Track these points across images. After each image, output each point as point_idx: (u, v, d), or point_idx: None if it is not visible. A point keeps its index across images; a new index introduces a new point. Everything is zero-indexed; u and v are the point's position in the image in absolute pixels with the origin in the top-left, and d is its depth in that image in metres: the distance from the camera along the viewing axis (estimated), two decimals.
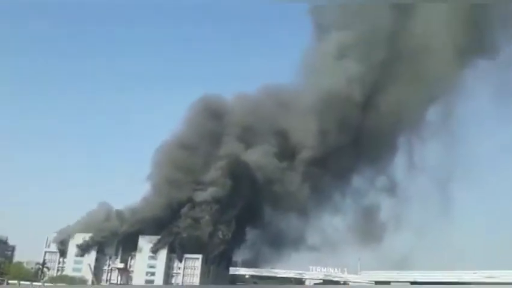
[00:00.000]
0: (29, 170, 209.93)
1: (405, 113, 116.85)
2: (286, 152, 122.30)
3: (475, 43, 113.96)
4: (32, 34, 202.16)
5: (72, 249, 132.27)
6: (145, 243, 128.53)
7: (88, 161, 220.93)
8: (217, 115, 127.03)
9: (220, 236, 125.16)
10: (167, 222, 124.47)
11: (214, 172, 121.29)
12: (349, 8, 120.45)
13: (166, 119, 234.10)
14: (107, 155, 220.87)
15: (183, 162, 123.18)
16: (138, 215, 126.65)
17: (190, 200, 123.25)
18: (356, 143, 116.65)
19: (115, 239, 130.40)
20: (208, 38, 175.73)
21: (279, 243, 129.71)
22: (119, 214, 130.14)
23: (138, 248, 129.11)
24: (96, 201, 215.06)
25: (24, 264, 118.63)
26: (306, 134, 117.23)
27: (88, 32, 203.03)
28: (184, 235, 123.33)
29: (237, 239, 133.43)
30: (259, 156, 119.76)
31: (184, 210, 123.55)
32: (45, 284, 48.16)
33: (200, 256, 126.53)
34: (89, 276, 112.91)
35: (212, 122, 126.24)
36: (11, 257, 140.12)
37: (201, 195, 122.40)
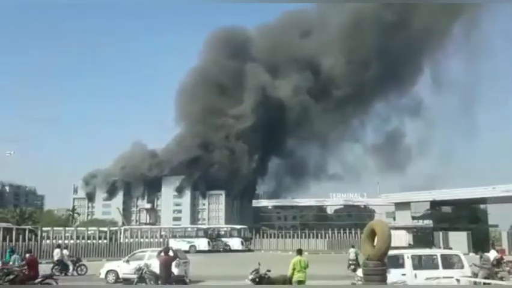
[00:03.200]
0: (54, 119, 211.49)
1: (434, 30, 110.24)
2: (312, 83, 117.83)
3: None
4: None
5: (99, 194, 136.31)
6: (169, 183, 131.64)
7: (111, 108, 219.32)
8: (238, 47, 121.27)
9: (245, 169, 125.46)
10: (197, 161, 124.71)
11: (241, 106, 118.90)
12: None
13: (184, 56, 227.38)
14: (133, 101, 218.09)
15: (208, 98, 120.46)
16: (170, 155, 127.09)
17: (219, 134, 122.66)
18: (381, 66, 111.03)
19: (141, 181, 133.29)
20: None
21: (301, 173, 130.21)
22: (152, 155, 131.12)
23: (163, 188, 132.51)
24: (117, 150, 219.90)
25: (55, 212, 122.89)
26: (332, 64, 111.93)
27: None
28: (217, 167, 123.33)
29: (260, 170, 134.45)
30: (285, 89, 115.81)
31: (218, 141, 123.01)
32: (78, 229, 50.56)
33: (223, 192, 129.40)
34: (118, 218, 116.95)
35: (233, 54, 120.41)
36: (41, 206, 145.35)
37: (229, 129, 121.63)
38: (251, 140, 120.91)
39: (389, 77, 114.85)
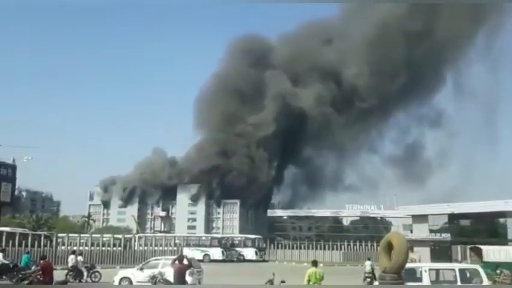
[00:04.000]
0: (71, 126, 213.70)
1: (457, 38, 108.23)
2: (335, 93, 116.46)
3: None
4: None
5: (115, 201, 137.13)
6: (185, 191, 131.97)
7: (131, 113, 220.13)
8: (259, 55, 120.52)
9: (265, 177, 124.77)
10: (216, 169, 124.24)
11: (261, 114, 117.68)
12: None
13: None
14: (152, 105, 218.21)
15: (228, 106, 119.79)
16: (189, 163, 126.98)
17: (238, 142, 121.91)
18: (404, 76, 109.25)
19: (158, 189, 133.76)
20: None
21: (317, 183, 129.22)
22: (172, 163, 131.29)
23: (178, 196, 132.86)
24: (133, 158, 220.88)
25: (71, 218, 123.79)
26: (356, 74, 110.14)
27: None
28: (235, 174, 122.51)
29: (277, 179, 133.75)
30: (306, 98, 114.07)
31: (238, 149, 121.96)
32: (93, 235, 50.73)
33: (238, 201, 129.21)
34: (133, 226, 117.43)
35: (254, 62, 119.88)
36: (57, 212, 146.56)
37: (249, 136, 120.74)
38: (271, 148, 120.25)
39: (411, 86, 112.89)
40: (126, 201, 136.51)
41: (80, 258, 28.01)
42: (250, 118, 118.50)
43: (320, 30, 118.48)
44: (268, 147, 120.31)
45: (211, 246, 52.13)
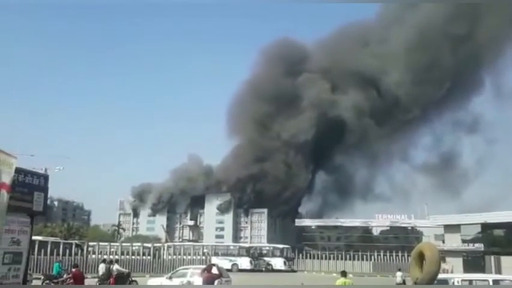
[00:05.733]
0: (102, 135, 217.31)
1: (498, 41, 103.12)
2: (374, 102, 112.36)
3: None
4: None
5: (145, 210, 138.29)
6: (213, 200, 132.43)
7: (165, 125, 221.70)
8: (295, 60, 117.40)
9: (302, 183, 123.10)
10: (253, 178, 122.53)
11: (299, 120, 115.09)
12: None
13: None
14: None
15: (261, 112, 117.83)
16: (227, 173, 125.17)
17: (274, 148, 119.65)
18: (446, 83, 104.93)
19: (187, 198, 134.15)
20: None
21: (347, 191, 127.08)
22: (207, 171, 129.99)
23: (206, 204, 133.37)
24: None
25: (101, 227, 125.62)
26: (397, 82, 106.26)
27: None
28: (271, 180, 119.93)
29: (308, 187, 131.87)
30: (344, 106, 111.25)
31: (274, 155, 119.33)
32: (123, 244, 51.43)
33: (265, 210, 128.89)
34: (162, 234, 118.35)
35: (289, 66, 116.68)
36: (87, 221, 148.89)
37: (286, 143, 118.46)
38: (307, 154, 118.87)
39: (451, 92, 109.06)
40: (157, 210, 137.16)
41: (116, 266, 28.05)
42: (288, 124, 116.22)
43: (357, 34, 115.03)
44: (305, 154, 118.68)
45: (239, 255, 52.04)
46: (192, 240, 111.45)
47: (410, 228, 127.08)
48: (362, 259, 56.08)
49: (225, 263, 45.69)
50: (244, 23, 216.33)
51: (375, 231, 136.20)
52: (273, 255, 54.51)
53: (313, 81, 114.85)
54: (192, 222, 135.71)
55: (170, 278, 22.96)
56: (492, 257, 42.48)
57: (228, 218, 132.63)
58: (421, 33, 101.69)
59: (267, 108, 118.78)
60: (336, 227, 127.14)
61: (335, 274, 30.81)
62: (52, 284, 19.19)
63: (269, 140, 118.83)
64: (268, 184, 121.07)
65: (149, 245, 52.23)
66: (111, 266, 26.92)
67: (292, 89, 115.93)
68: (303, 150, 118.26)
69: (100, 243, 49.09)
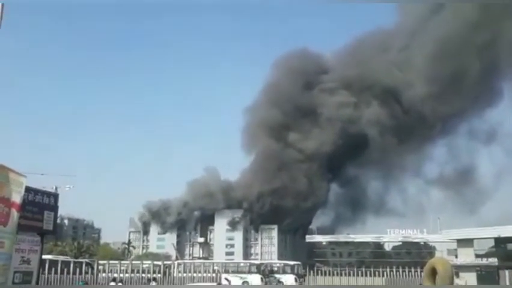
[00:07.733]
0: (112, 154, 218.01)
1: None
2: (397, 119, 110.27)
3: None
4: None
5: (154, 228, 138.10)
6: (223, 216, 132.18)
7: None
8: (313, 71, 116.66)
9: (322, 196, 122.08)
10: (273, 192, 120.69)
11: (320, 135, 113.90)
12: None
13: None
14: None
15: (279, 125, 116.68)
16: (246, 189, 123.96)
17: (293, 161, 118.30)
18: (467, 94, 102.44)
19: (196, 216, 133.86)
20: None
21: (360, 205, 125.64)
22: (224, 189, 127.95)
23: (216, 221, 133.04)
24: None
25: (111, 245, 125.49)
26: (419, 95, 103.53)
27: None
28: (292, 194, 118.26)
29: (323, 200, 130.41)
30: (366, 122, 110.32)
31: (295, 166, 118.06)
32: (133, 262, 51.45)
33: (275, 226, 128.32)
34: (172, 252, 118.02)
35: (308, 79, 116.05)
36: (98, 239, 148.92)
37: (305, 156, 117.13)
38: (325, 167, 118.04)
39: (471, 102, 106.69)
40: (167, 227, 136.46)
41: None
42: (309, 136, 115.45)
43: (377, 43, 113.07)
44: (324, 166, 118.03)
45: (249, 272, 51.62)
46: (202, 258, 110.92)
47: (422, 243, 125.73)
48: (374, 275, 55.49)
49: (235, 280, 45.39)
50: (262, 24, 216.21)
51: (387, 247, 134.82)
52: (284, 272, 54.01)
53: (334, 93, 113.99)
54: (202, 239, 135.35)
55: None
56: (507, 272, 41.94)
57: (238, 234, 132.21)
58: (443, 42, 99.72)
59: (285, 119, 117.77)
60: (347, 242, 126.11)
61: None
62: None
63: (289, 152, 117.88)
64: (288, 198, 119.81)
65: (159, 262, 52.08)
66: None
67: (311, 100, 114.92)
68: (323, 163, 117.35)
69: (110, 262, 49.02)
